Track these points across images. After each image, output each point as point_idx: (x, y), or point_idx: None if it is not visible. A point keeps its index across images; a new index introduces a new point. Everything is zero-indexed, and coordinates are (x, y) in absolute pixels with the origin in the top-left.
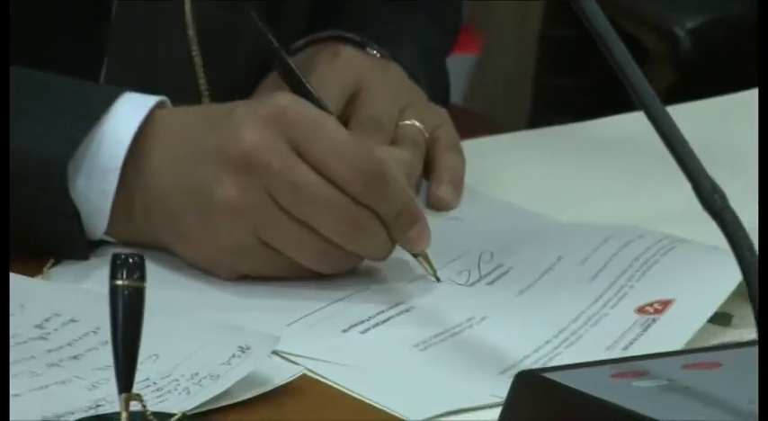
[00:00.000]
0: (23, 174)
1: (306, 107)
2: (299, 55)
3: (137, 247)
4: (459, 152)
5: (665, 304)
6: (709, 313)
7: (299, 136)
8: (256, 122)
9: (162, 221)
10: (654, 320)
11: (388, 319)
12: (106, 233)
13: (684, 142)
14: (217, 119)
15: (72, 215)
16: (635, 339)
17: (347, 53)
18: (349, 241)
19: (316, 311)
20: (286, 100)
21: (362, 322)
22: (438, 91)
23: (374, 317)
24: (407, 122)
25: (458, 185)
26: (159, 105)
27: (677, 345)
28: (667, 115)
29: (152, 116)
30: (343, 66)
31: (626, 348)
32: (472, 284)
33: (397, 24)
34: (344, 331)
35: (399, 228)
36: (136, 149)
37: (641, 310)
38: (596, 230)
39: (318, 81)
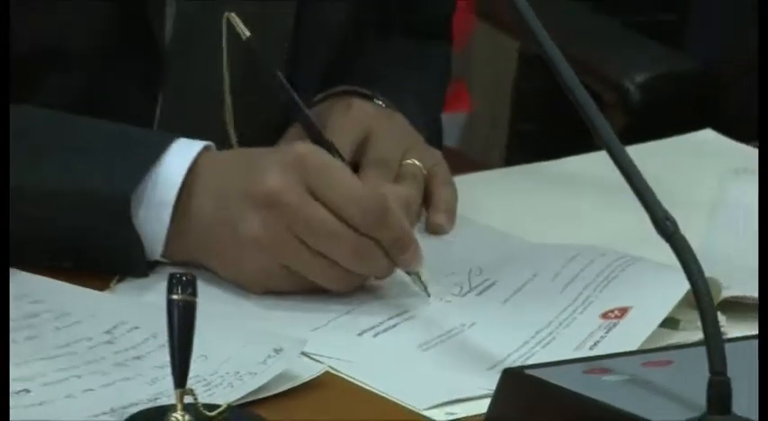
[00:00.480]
0: (92, 206)
1: (322, 155)
2: (318, 107)
3: (186, 267)
4: (453, 186)
5: (624, 310)
6: (661, 318)
7: (314, 179)
8: (279, 167)
9: (204, 247)
10: (615, 324)
11: (395, 325)
12: (161, 255)
13: (641, 177)
14: (248, 163)
15: (134, 240)
16: (599, 340)
17: (358, 105)
18: (356, 266)
19: (334, 319)
20: (305, 149)
21: (373, 327)
22: (433, 136)
23: (383, 323)
24: (409, 161)
25: (452, 214)
26: (205, 149)
27: (635, 345)
28: (626, 154)
29: (198, 159)
30: (355, 115)
31: (592, 348)
32: (464, 295)
33: (399, 81)
34: (359, 335)
35: (396, 252)
36: (185, 187)
37: (604, 316)
38: (566, 249)
39: (334, 128)
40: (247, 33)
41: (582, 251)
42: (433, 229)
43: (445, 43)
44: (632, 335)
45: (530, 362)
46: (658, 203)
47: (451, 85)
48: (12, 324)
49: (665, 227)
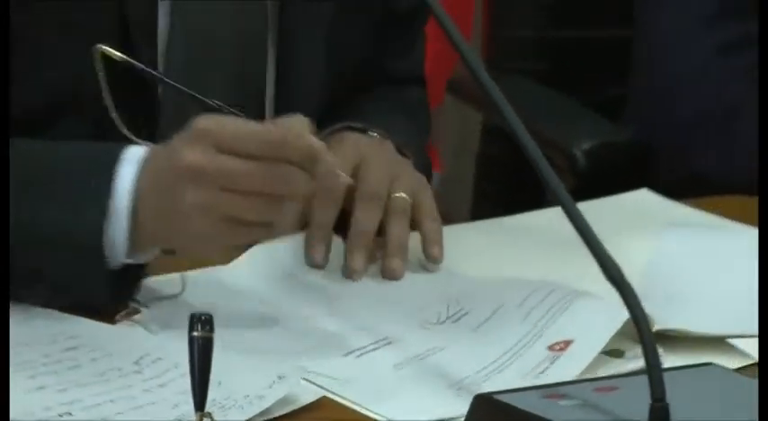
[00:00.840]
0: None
1: (217, 119)
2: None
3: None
4: (438, 217)
5: (568, 343)
6: (597, 352)
7: (218, 139)
8: (188, 142)
9: (158, 234)
10: (558, 356)
11: (376, 348)
12: (127, 257)
13: (591, 230)
14: (168, 150)
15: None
16: (544, 370)
17: (351, 137)
18: (279, 188)
19: (324, 344)
20: (202, 120)
21: (359, 349)
22: (421, 164)
23: (367, 346)
24: (397, 195)
25: (440, 243)
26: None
27: (574, 374)
28: (578, 210)
29: (144, 164)
30: (347, 145)
31: (537, 376)
32: (442, 323)
33: (387, 120)
34: (345, 355)
35: (310, 165)
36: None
37: (551, 348)
38: (527, 283)
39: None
40: (122, 56)
41: (539, 286)
42: (430, 260)
43: (422, 87)
44: (572, 366)
45: (485, 385)
46: (606, 252)
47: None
48: (54, 356)
49: (613, 273)
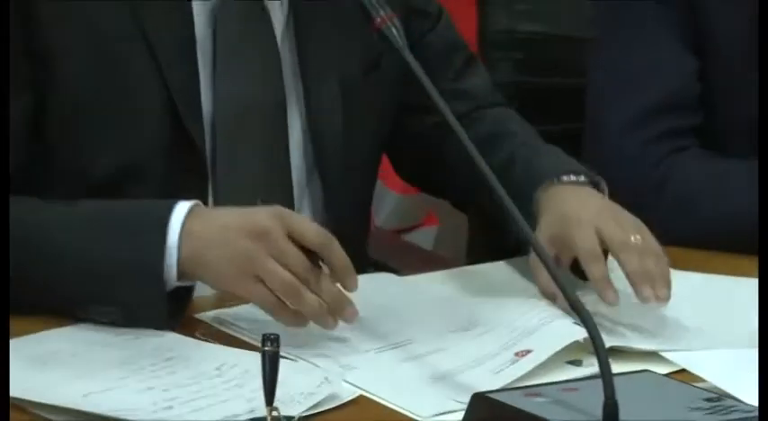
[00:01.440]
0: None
1: (291, 213)
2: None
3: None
4: (663, 256)
5: (528, 352)
6: (544, 359)
7: (288, 225)
8: (267, 214)
9: (205, 265)
10: (517, 360)
11: (395, 347)
12: (178, 281)
13: (557, 271)
14: (242, 211)
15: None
16: (504, 369)
17: (569, 195)
18: (306, 281)
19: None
20: (282, 209)
21: (377, 348)
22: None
23: (384, 346)
24: (636, 238)
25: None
26: (196, 204)
27: (523, 372)
28: (549, 258)
29: (194, 208)
30: (574, 206)
31: (497, 374)
32: (454, 332)
33: (556, 158)
34: (370, 351)
35: (340, 275)
36: (185, 226)
37: (516, 354)
38: (519, 309)
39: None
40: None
41: (529, 310)
42: (660, 300)
43: (505, 104)
44: (523, 368)
45: (462, 376)
46: (572, 288)
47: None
48: (158, 365)
49: (576, 304)
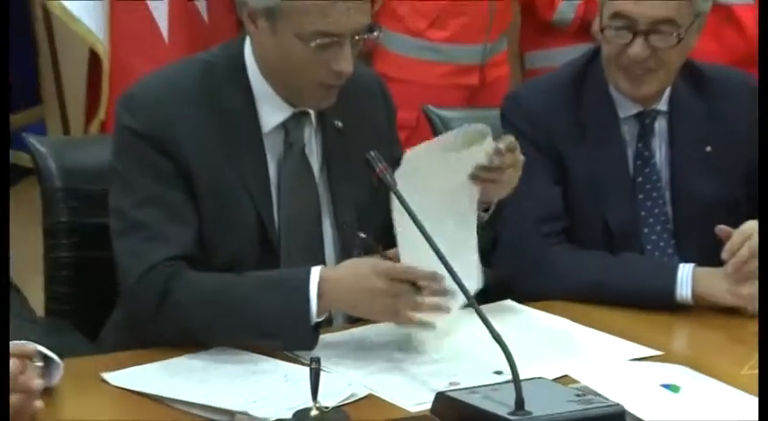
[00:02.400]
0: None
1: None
2: None
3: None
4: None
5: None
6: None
7: (398, 273)
8: (385, 262)
9: (346, 302)
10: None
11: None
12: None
13: (486, 317)
14: (366, 261)
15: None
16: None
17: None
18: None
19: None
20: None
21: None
22: None
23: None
24: None
25: None
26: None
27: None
28: (480, 309)
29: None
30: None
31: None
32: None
33: None
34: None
35: (429, 291)
36: (322, 279)
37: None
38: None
39: None
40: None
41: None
42: None
43: None
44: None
45: (439, 383)
46: (493, 328)
47: None
48: (249, 371)
49: (496, 336)
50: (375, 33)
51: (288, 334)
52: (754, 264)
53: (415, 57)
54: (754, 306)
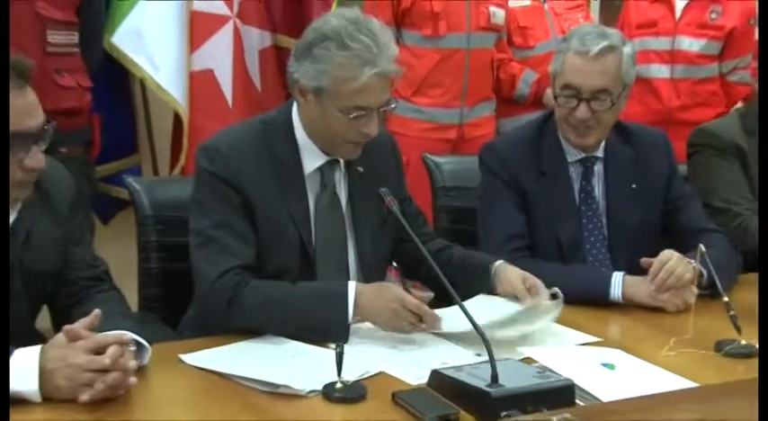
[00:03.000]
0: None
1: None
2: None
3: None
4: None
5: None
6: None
7: (407, 301)
8: (401, 291)
9: (370, 314)
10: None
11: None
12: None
13: (466, 308)
14: (386, 285)
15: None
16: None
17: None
18: (412, 318)
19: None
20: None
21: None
22: None
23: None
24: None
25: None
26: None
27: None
28: (462, 304)
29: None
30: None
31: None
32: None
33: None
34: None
35: (422, 318)
36: (357, 295)
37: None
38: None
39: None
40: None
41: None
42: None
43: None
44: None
45: (436, 363)
46: (473, 318)
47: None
48: (288, 358)
49: (478, 329)
50: (392, 105)
51: (331, 334)
52: (671, 281)
53: (405, 115)
54: (670, 306)
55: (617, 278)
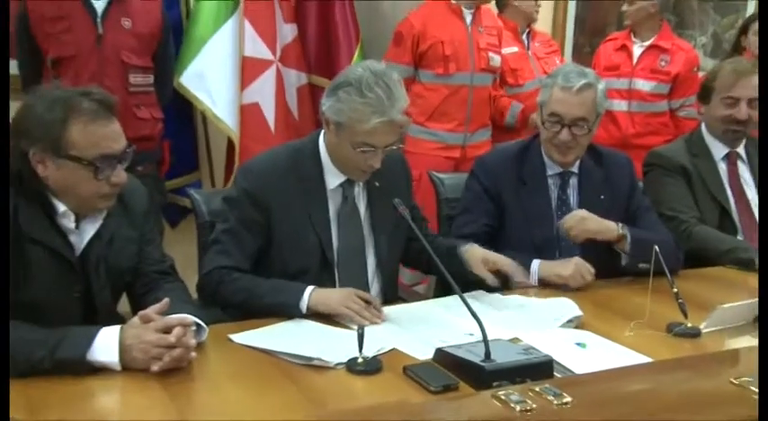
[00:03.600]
0: (287, 308)
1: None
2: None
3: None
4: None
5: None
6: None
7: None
8: (348, 291)
9: (322, 304)
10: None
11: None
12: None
13: (469, 304)
14: (340, 290)
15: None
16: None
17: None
18: (360, 306)
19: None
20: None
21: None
22: None
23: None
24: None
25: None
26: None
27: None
28: (464, 298)
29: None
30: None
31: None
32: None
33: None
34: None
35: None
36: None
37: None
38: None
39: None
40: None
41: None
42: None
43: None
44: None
45: (439, 342)
46: (473, 311)
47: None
48: (318, 337)
49: (474, 315)
50: (396, 146)
51: (286, 313)
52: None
53: (419, 137)
54: (573, 282)
55: (536, 264)
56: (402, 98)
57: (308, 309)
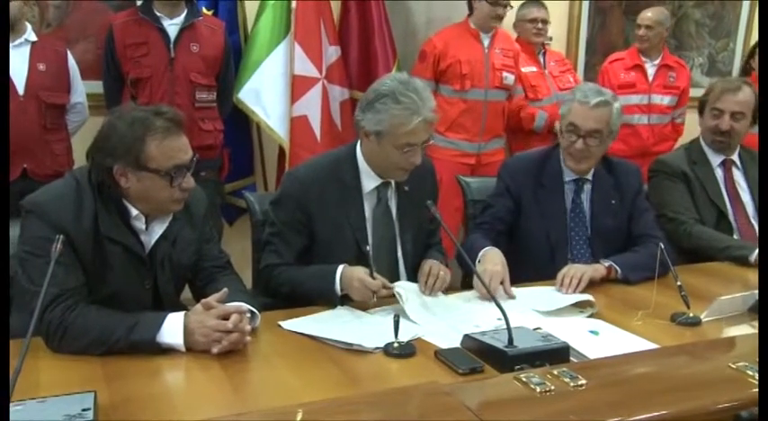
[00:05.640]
0: (325, 294)
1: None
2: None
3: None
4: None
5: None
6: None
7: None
8: (363, 272)
9: (348, 288)
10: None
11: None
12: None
13: (494, 295)
14: (355, 271)
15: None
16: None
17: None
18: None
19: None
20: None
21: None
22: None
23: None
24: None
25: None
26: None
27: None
28: (489, 290)
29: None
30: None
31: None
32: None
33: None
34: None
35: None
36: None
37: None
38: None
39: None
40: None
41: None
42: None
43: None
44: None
45: (464, 330)
46: (497, 300)
47: None
48: (354, 323)
49: (498, 303)
50: (431, 141)
51: (325, 298)
52: (566, 280)
53: (439, 145)
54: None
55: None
56: (430, 99)
57: (340, 289)
